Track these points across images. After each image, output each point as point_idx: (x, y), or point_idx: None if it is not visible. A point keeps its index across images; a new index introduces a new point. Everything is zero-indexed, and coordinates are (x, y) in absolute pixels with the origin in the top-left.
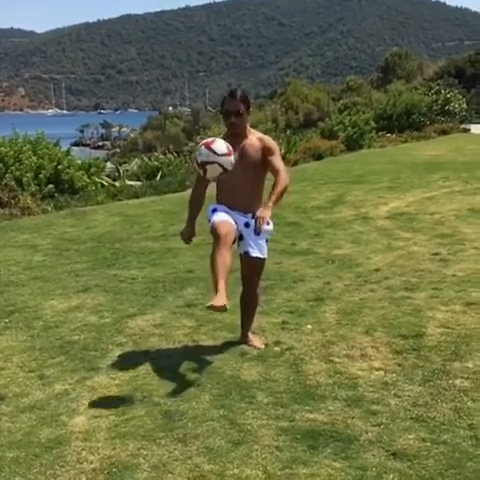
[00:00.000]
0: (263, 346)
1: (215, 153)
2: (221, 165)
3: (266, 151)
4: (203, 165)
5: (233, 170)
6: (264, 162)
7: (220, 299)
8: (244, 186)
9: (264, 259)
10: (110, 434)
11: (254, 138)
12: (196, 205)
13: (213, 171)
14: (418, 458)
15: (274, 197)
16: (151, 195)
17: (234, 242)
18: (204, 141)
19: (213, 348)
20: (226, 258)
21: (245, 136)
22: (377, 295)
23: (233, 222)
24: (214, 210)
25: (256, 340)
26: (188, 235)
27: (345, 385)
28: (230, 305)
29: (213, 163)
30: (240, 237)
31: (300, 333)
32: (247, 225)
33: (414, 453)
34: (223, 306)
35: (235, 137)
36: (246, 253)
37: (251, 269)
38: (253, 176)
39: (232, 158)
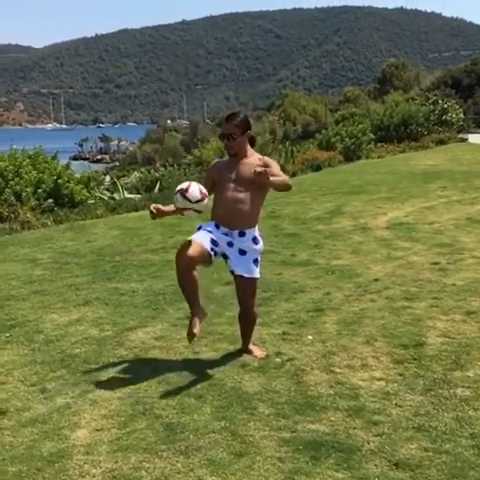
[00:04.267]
0: (265, 353)
1: (190, 201)
2: (196, 210)
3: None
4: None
5: (228, 188)
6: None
7: (191, 328)
8: (237, 202)
9: (254, 279)
10: (112, 447)
11: (253, 158)
12: None
13: (189, 213)
14: (420, 468)
15: (274, 178)
16: None
17: (204, 263)
18: (179, 187)
19: (214, 360)
20: (190, 280)
21: (244, 156)
22: (377, 305)
23: (207, 243)
24: (199, 228)
25: (257, 350)
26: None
27: (346, 395)
28: (229, 316)
29: (188, 209)
30: (225, 256)
31: (301, 344)
32: (230, 244)
33: (416, 463)
34: (192, 335)
35: (233, 157)
36: (232, 272)
37: (242, 290)
38: (247, 194)
39: (206, 201)
